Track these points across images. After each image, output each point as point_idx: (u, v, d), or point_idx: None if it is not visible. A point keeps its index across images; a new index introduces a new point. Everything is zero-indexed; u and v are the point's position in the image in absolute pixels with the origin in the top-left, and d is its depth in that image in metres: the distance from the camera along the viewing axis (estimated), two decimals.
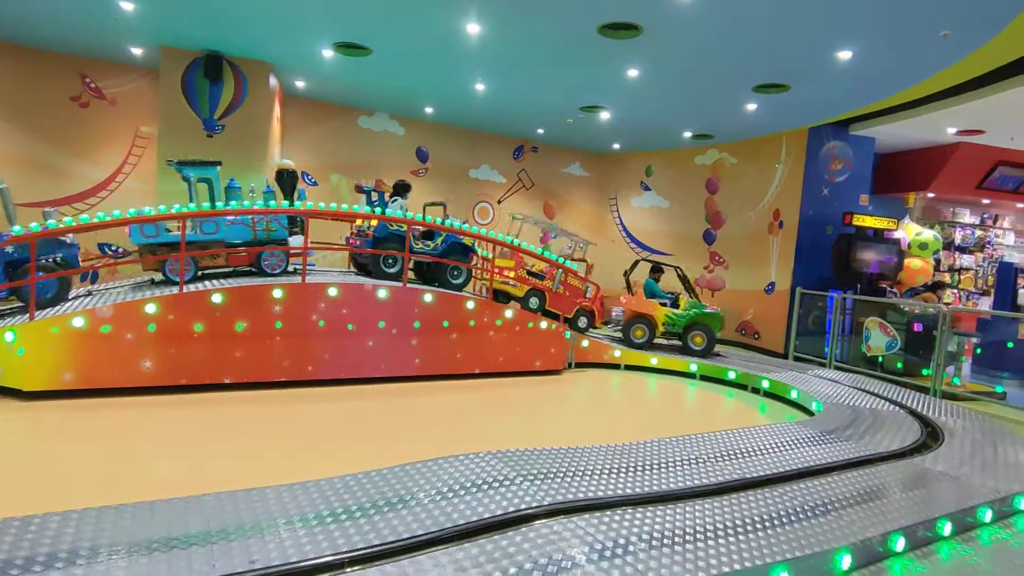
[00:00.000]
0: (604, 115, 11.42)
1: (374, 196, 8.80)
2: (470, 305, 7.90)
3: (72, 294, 6.62)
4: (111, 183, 10.52)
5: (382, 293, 7.26)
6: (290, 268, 7.60)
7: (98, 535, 2.71)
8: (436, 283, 8.23)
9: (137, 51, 9.61)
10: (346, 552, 2.67)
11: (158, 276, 7.36)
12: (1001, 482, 4.48)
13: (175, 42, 9.09)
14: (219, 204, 7.14)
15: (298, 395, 6.46)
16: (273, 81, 10.14)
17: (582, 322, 9.63)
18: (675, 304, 9.98)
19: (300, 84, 11.06)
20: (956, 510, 3.88)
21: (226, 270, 7.56)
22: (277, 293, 6.63)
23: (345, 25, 7.89)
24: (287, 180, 7.99)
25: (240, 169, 9.57)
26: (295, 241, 7.77)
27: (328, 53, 8.95)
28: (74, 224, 6.46)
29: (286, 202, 7.79)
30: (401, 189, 8.67)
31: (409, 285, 7.69)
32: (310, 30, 8.16)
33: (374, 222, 8.00)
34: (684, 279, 10.32)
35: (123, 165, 10.61)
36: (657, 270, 10.43)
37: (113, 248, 10.51)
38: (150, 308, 6.04)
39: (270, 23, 7.99)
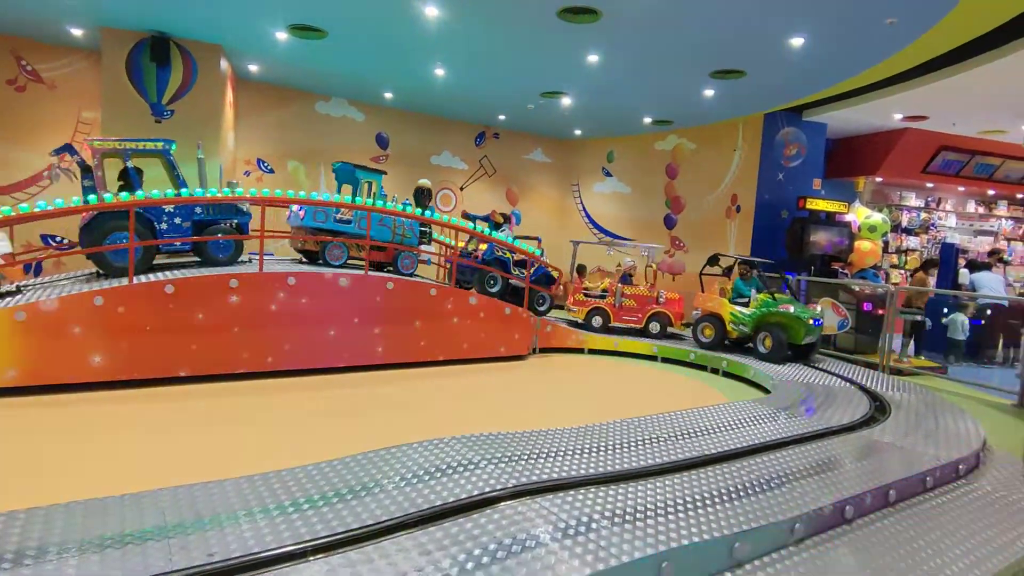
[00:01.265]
0: (565, 101, 11.43)
1: (477, 225, 9.35)
2: (433, 292, 7.85)
3: (7, 287, 6.32)
4: (51, 170, 10.02)
5: (343, 281, 7.15)
6: (252, 258, 7.64)
7: (47, 534, 2.61)
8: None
9: (77, 32, 9.14)
10: (309, 540, 2.64)
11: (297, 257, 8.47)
12: (942, 450, 4.72)
13: (118, 22, 8.67)
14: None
15: (258, 387, 6.34)
16: (224, 65, 9.80)
17: (654, 327, 9.75)
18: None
19: (253, 68, 10.72)
20: (901, 478, 4.07)
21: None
22: (233, 283, 6.46)
23: (299, 6, 7.66)
24: (423, 197, 9.00)
25: (192, 156, 9.25)
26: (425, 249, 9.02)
27: (282, 35, 8.69)
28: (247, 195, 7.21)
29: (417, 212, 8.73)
30: (510, 219, 10.10)
31: (371, 273, 7.60)
32: (262, 11, 7.89)
33: (483, 246, 9.23)
34: (760, 276, 9.31)
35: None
36: (747, 265, 9.49)
37: (57, 240, 10.05)
38: (98, 300, 5.81)
39: (219, 3, 7.70)
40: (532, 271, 9.27)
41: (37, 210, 6.12)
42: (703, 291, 9.89)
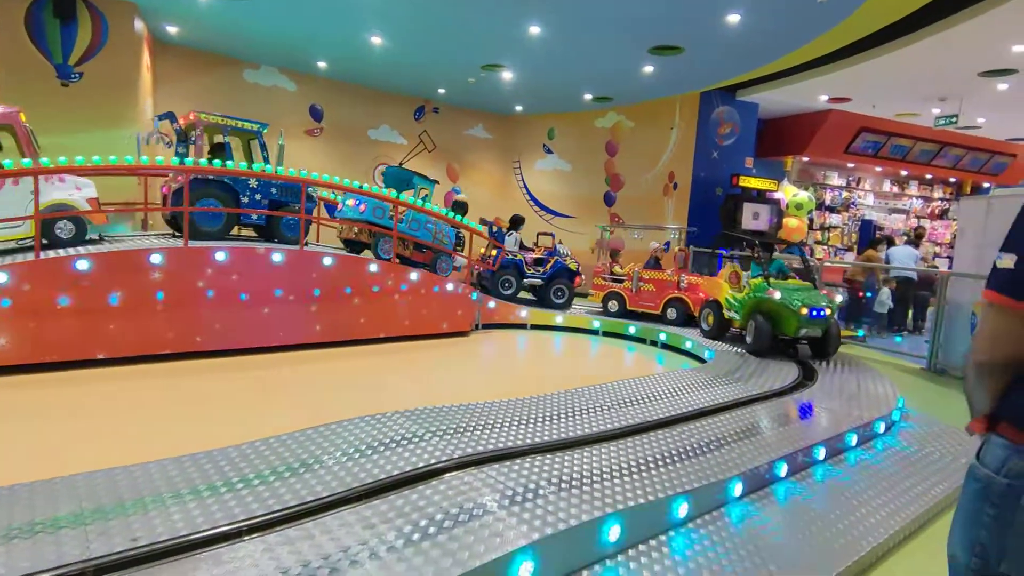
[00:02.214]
0: (506, 75, 11.27)
1: (493, 229, 9.98)
2: (373, 269, 7.63)
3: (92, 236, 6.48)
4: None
5: (277, 257, 6.83)
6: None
7: None
8: (543, 302, 9.94)
9: None
10: (244, 520, 2.50)
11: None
12: (864, 411, 5.01)
13: None
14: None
15: (186, 367, 5.99)
16: (139, 25, 9.07)
17: (671, 313, 9.26)
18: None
19: (172, 30, 9.99)
20: (828, 437, 4.28)
21: None
22: (156, 259, 6.04)
23: None
24: (460, 211, 9.52)
25: (107, 122, 8.57)
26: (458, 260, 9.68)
27: None
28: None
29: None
30: (516, 223, 10.32)
31: (309, 248, 7.29)
32: None
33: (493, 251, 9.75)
34: (805, 263, 8.18)
35: None
36: (766, 248, 8.34)
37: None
38: (0, 277, 5.30)
39: None
40: (550, 266, 9.85)
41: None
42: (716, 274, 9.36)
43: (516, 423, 3.95)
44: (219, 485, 2.85)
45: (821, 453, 4.13)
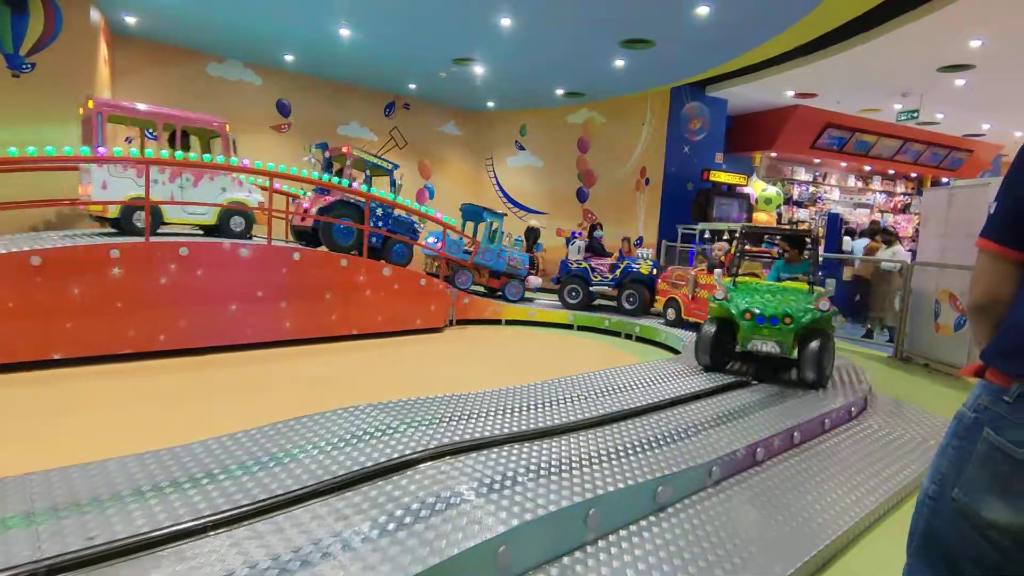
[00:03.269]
0: (478, 69, 11.19)
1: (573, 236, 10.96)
2: (344, 264, 7.49)
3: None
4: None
5: (243, 252, 6.64)
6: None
7: None
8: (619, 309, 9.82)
9: None
10: (209, 516, 2.38)
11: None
12: (836, 396, 5.07)
13: None
14: (493, 243, 9.91)
15: (148, 367, 5.78)
16: (95, 15, 8.75)
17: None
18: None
19: (131, 20, 9.65)
20: (804, 421, 4.32)
21: None
22: (114, 253, 5.81)
23: None
24: (532, 235, 10.76)
25: (61, 116, 8.23)
26: (533, 281, 10.63)
27: None
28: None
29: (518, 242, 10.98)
30: (593, 230, 10.94)
31: (276, 243, 7.12)
32: None
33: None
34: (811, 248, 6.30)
35: None
36: (795, 242, 6.29)
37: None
38: None
39: None
40: (620, 272, 9.82)
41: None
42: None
43: (492, 413, 3.88)
44: (183, 481, 2.72)
45: (797, 437, 4.16)
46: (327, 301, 7.33)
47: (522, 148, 15.00)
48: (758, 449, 3.78)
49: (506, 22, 8.55)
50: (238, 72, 11.83)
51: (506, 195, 15.32)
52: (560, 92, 12.80)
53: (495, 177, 15.53)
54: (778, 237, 6.82)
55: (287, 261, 6.99)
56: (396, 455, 3.03)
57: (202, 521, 2.34)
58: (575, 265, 9.92)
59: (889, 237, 10.54)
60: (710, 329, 5.52)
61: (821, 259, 6.80)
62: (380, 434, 3.33)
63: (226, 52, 11.37)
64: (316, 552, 2.16)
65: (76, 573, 2.02)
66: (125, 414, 4.47)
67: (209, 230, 7.29)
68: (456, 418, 3.71)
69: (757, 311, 5.26)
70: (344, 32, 9.48)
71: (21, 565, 1.98)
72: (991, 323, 1.42)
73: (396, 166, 9.37)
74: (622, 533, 2.79)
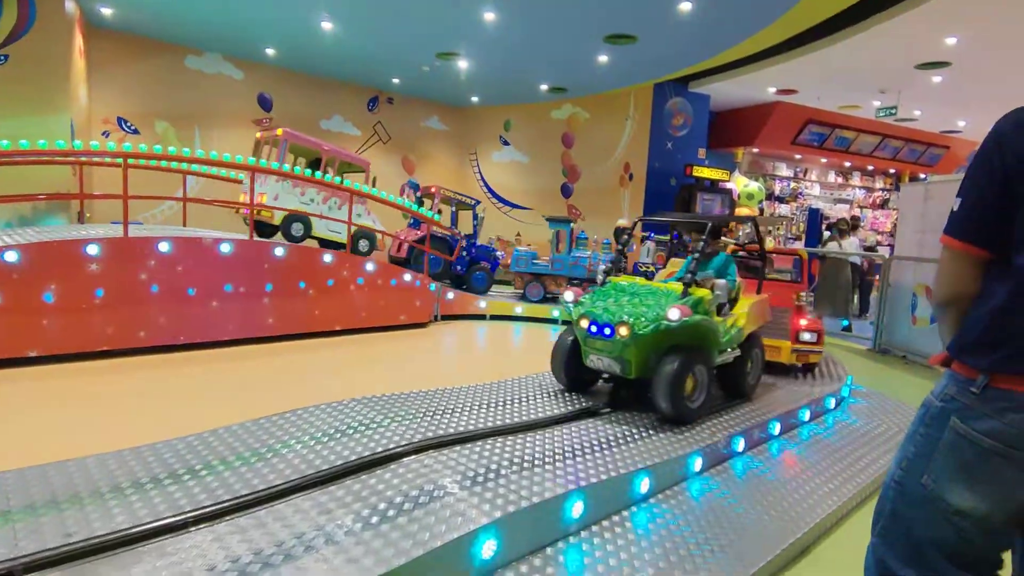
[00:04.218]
0: (461, 64, 11.15)
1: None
2: (327, 259, 7.43)
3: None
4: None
5: (225, 248, 6.57)
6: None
7: None
8: None
9: None
10: (191, 511, 2.36)
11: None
12: (815, 387, 5.16)
13: None
14: (572, 250, 9.93)
15: (129, 364, 5.69)
16: (70, 6, 8.57)
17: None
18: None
19: (107, 12, 9.47)
20: (782, 412, 4.38)
21: None
22: (92, 250, 5.71)
23: None
24: (621, 235, 9.47)
25: (36, 108, 8.07)
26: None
27: None
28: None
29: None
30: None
31: (258, 239, 7.04)
32: None
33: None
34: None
35: None
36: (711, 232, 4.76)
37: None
38: None
39: None
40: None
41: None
42: None
43: (476, 407, 3.89)
44: (163, 477, 2.69)
45: (776, 428, 4.22)
46: (310, 297, 7.27)
47: (507, 143, 14.99)
48: (739, 439, 3.84)
49: (490, 16, 8.53)
50: (217, 65, 11.67)
51: (491, 190, 15.30)
52: (544, 87, 12.81)
53: (480, 172, 15.51)
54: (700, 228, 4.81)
55: (269, 257, 6.92)
56: (380, 449, 3.03)
57: (183, 517, 2.32)
58: (644, 269, 9.29)
59: (844, 228, 10.76)
60: (565, 339, 4.33)
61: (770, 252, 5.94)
62: (363, 428, 3.33)
63: (205, 45, 11.20)
64: (299, 546, 2.16)
65: (54, 570, 2.00)
66: (104, 411, 4.41)
67: (341, 246, 8.18)
68: (439, 412, 3.71)
69: (597, 318, 3.87)
70: (326, 25, 9.39)
71: None
72: (956, 318, 1.45)
73: (477, 202, 10.41)
74: (605, 523, 2.82)
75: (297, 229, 8.01)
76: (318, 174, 7.90)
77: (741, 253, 5.72)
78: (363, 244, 8.52)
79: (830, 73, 10.62)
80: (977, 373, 1.34)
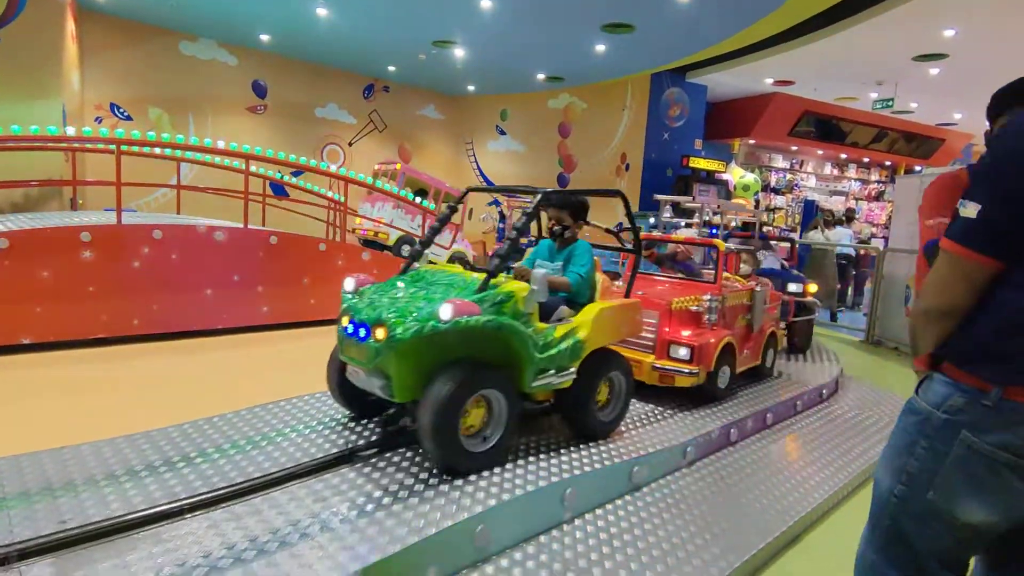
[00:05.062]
0: (458, 52, 11.08)
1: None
2: (323, 248, 7.41)
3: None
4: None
5: (219, 236, 6.53)
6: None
7: None
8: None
9: None
10: (186, 498, 2.37)
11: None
12: (808, 378, 5.19)
13: None
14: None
15: (122, 351, 5.67)
16: None
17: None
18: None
19: None
20: (777, 403, 4.41)
21: None
22: (85, 236, 5.68)
23: None
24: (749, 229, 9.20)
25: (28, 94, 7.98)
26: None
27: None
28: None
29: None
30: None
31: (252, 227, 7.01)
32: None
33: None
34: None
35: None
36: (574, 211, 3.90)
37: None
38: None
39: None
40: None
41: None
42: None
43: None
44: (159, 465, 2.70)
45: (770, 418, 4.25)
46: (305, 286, 7.25)
47: (503, 133, 14.93)
48: (732, 430, 3.86)
49: (486, 4, 8.47)
50: (212, 51, 11.56)
51: (487, 180, 15.26)
52: (541, 76, 12.74)
53: (476, 162, 15.45)
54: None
55: (264, 245, 6.89)
56: (375, 437, 3.04)
57: (178, 504, 2.33)
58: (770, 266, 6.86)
59: (829, 219, 10.79)
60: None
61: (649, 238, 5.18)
62: (357, 419, 3.33)
63: (199, 30, 11.08)
64: (295, 532, 2.17)
65: (49, 556, 2.00)
66: (98, 399, 4.40)
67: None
68: None
69: (354, 313, 2.81)
70: (321, 12, 9.30)
71: None
72: (945, 327, 1.38)
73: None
74: (598, 512, 2.84)
75: (406, 249, 9.01)
76: (424, 201, 8.98)
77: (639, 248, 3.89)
78: (406, 249, 9.30)
79: (827, 65, 10.60)
80: (989, 385, 1.28)
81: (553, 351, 2.96)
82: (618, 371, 3.38)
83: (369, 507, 2.36)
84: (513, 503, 2.49)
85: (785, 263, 6.86)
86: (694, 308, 4.18)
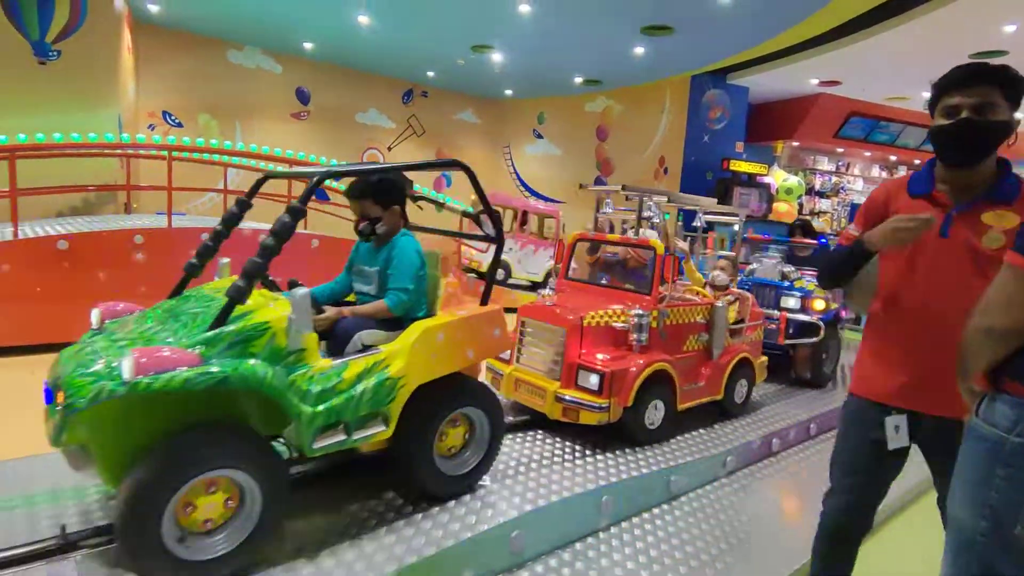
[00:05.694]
0: (496, 57, 11.13)
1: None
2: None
3: None
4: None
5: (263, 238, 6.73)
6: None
7: None
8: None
9: None
10: None
11: None
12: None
13: None
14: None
15: None
16: (119, 3, 8.84)
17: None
18: None
19: (154, 8, 9.75)
20: (820, 413, 4.28)
21: None
22: (138, 239, 5.92)
23: None
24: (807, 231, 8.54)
25: (86, 103, 8.36)
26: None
27: None
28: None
29: None
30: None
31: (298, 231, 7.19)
32: None
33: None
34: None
35: None
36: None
37: None
38: None
39: None
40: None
41: None
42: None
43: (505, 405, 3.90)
44: None
45: (813, 429, 4.13)
46: None
47: (540, 136, 14.94)
48: (774, 440, 3.77)
49: (524, 8, 8.49)
50: (257, 59, 11.91)
51: (524, 184, 15.29)
52: (578, 80, 12.70)
53: (512, 165, 15.50)
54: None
55: (306, 248, 7.06)
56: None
57: None
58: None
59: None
60: None
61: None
62: None
63: (246, 40, 11.44)
64: (332, 531, 2.20)
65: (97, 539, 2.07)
66: None
67: (537, 286, 9.34)
68: None
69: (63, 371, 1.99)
70: (363, 20, 9.48)
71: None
72: (1010, 347, 1.31)
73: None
74: (635, 520, 2.80)
75: (500, 274, 9.23)
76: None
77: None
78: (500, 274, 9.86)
79: (876, 63, 10.24)
80: None
81: (340, 398, 2.13)
82: (477, 406, 2.56)
83: (407, 509, 2.38)
84: (548, 509, 2.48)
85: (789, 271, 5.49)
86: (618, 325, 3.36)
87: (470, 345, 2.55)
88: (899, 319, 1.84)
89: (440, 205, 3.18)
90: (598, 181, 14.04)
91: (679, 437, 3.50)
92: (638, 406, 3.22)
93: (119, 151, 7.68)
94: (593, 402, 3.11)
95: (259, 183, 2.80)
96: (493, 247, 2.74)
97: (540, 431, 3.38)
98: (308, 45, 11.44)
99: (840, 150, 14.80)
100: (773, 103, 13.46)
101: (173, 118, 11.12)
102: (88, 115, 8.31)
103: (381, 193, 2.61)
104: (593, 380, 3.13)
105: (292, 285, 2.32)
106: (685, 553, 2.55)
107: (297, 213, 2.16)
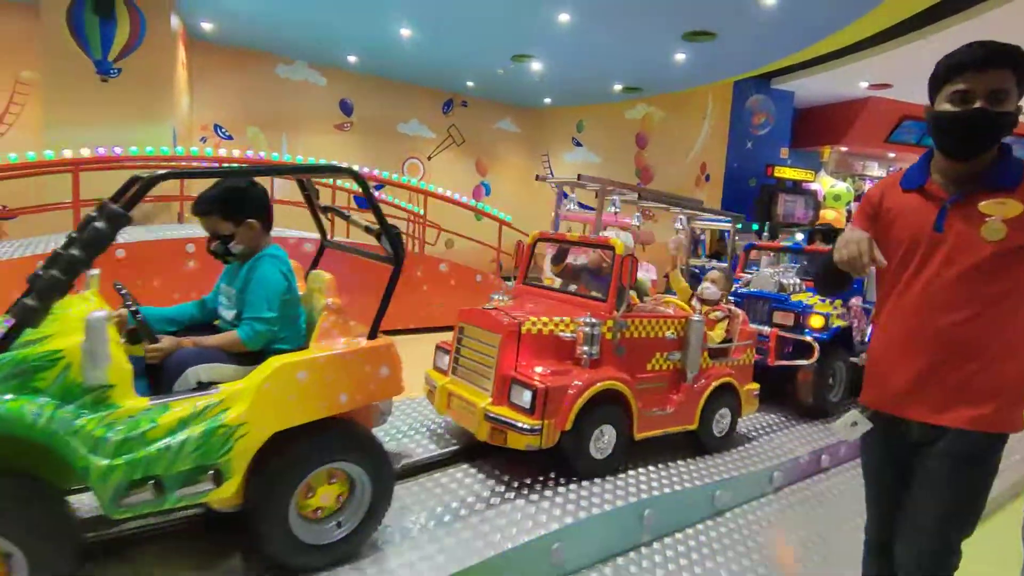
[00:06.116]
0: (535, 66, 11.19)
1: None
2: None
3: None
4: None
5: (308, 247, 6.89)
6: None
7: None
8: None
9: None
10: None
11: None
12: None
13: None
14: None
15: None
16: (175, 21, 9.25)
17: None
18: None
19: (207, 26, 10.17)
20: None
21: None
22: (190, 248, 6.15)
23: None
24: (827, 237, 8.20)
25: (144, 117, 8.77)
26: None
27: None
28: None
29: None
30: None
31: (337, 238, 7.36)
32: None
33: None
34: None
35: (3, 116, 9.48)
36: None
37: None
38: None
39: None
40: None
41: None
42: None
43: None
44: None
45: None
46: (425, 291, 7.55)
47: (579, 144, 14.91)
48: (823, 456, 3.64)
49: (564, 17, 8.51)
50: (303, 73, 12.26)
51: (563, 192, 15.25)
52: (618, 87, 12.64)
53: (551, 173, 15.50)
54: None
55: (350, 257, 7.20)
56: (449, 449, 3.09)
57: None
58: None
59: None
60: None
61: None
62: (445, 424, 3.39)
63: (293, 54, 11.81)
64: (376, 537, 2.22)
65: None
66: None
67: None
68: None
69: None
70: (405, 32, 9.67)
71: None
72: None
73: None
74: (678, 536, 2.75)
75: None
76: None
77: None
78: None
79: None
80: None
81: (151, 448, 1.75)
82: (355, 461, 2.10)
83: (446, 518, 2.39)
84: (590, 522, 2.46)
85: (790, 282, 4.83)
86: (565, 335, 2.90)
87: (344, 387, 2.09)
88: (897, 321, 1.70)
89: (345, 218, 2.87)
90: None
91: (724, 454, 3.41)
92: (580, 430, 2.74)
93: (173, 164, 8.00)
94: (523, 422, 2.64)
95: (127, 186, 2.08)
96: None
97: None
98: (352, 58, 11.73)
99: (892, 155, 14.29)
100: (820, 107, 13.10)
101: (224, 131, 11.54)
102: (146, 129, 8.70)
103: (229, 207, 2.26)
104: (526, 397, 2.67)
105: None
106: (730, 571, 2.49)
107: (119, 219, 1.73)
